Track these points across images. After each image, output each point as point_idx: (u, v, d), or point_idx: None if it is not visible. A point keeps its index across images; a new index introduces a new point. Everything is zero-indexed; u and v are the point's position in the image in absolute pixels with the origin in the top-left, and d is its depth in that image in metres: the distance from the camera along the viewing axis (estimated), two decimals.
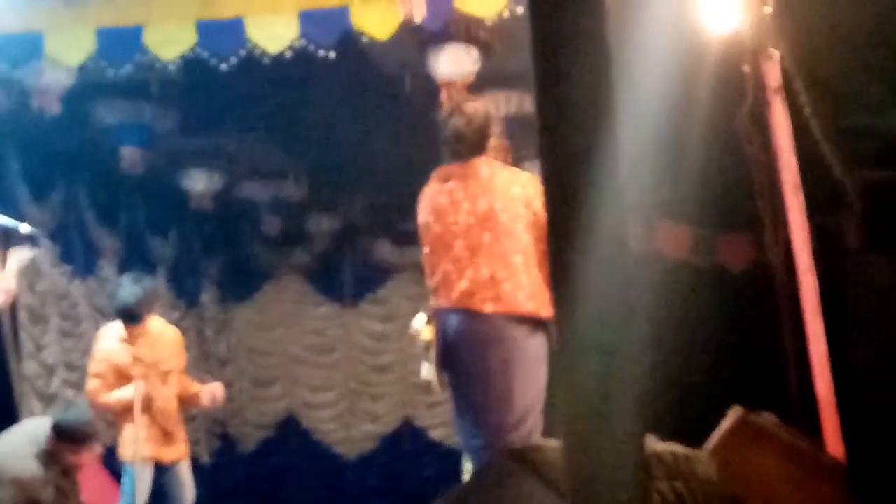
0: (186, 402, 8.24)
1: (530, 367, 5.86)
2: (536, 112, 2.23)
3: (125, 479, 7.76)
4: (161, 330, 8.19)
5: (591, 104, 2.13)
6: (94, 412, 7.79)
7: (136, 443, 7.50)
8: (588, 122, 2.13)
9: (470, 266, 5.90)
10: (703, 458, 4.06)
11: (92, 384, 7.75)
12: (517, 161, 7.38)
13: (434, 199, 6.13)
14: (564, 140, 2.14)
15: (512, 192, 5.93)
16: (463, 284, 5.89)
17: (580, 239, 2.11)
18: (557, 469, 3.14)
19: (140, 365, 7.78)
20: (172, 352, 8.14)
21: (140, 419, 7.56)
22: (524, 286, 5.83)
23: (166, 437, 7.86)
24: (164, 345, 8.10)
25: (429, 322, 6.25)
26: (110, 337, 7.87)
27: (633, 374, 2.16)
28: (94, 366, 7.77)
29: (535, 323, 5.88)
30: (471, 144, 6.12)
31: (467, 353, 5.97)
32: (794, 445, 5.15)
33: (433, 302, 6.19)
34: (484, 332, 5.91)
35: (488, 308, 5.86)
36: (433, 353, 6.18)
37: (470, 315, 5.91)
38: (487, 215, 5.90)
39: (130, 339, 7.83)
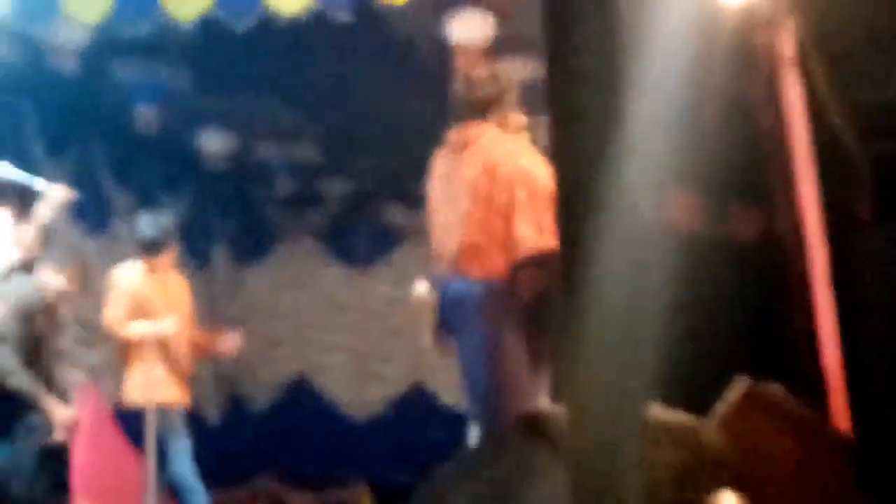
0: (201, 349, 8.16)
1: (519, 331, 5.88)
2: (547, 83, 2.23)
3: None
4: (174, 273, 8.15)
5: (603, 76, 2.13)
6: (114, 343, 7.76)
7: (149, 383, 7.41)
8: (600, 94, 2.13)
9: (456, 233, 5.92)
10: (709, 428, 4.08)
11: (113, 312, 7.62)
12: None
13: (436, 166, 6.16)
14: (574, 109, 2.14)
15: (493, 155, 5.98)
16: (451, 251, 5.92)
17: (590, 208, 2.11)
18: (563, 435, 3.16)
19: (161, 301, 7.72)
20: (185, 295, 8.12)
21: (155, 357, 7.47)
22: (499, 252, 5.83)
23: (175, 380, 7.80)
24: (179, 287, 8.08)
25: (432, 288, 6.28)
26: (131, 269, 7.80)
27: (639, 342, 2.17)
28: (115, 294, 7.65)
29: (522, 281, 5.89)
30: (469, 109, 6.13)
31: (459, 317, 6.01)
32: (800, 417, 5.16)
33: (435, 267, 6.23)
34: (474, 294, 5.94)
35: (473, 273, 5.87)
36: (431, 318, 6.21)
37: (458, 280, 5.94)
38: (473, 182, 5.91)
39: (150, 274, 7.77)
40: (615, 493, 1.98)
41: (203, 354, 8.25)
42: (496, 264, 5.82)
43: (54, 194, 7.33)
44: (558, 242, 2.23)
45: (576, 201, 2.15)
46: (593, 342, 2.10)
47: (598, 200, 2.14)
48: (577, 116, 2.14)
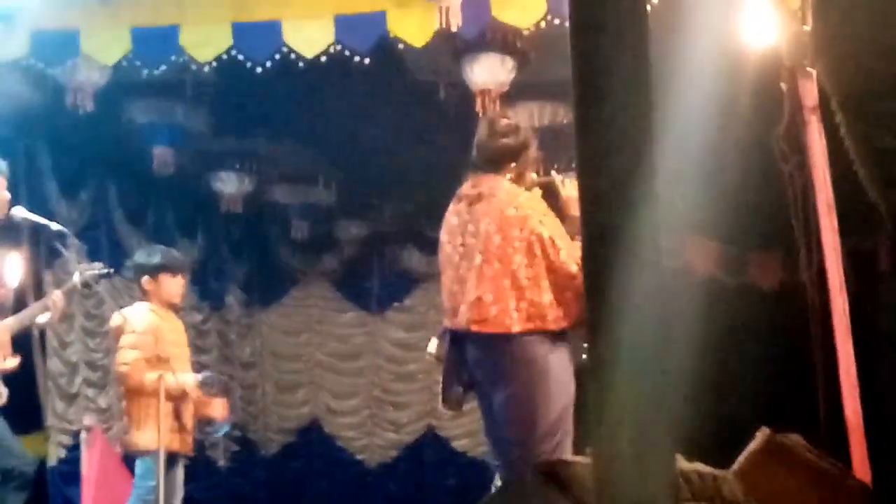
0: (204, 418, 8.14)
1: (549, 381, 5.82)
2: (576, 131, 2.24)
3: (144, 471, 7.60)
4: (174, 316, 8.13)
5: (631, 123, 2.14)
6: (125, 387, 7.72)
7: (162, 430, 7.37)
8: (628, 141, 2.14)
9: (468, 289, 5.89)
10: (730, 478, 4.06)
11: (131, 355, 7.50)
12: (548, 172, 7.35)
13: (448, 219, 6.12)
14: (603, 159, 2.15)
15: (507, 213, 5.84)
16: (464, 306, 5.89)
17: (617, 256, 2.12)
18: (585, 486, 3.15)
19: (172, 342, 7.71)
20: (184, 338, 8.11)
21: (167, 405, 7.44)
22: (510, 310, 5.78)
23: (181, 427, 7.76)
24: (181, 330, 8.07)
25: (440, 343, 6.23)
26: (143, 309, 7.78)
27: (665, 392, 2.17)
28: (131, 338, 7.56)
29: (547, 336, 5.82)
30: (488, 160, 6.08)
31: (482, 374, 5.98)
32: (821, 468, 5.13)
33: (444, 322, 6.19)
34: (493, 351, 5.90)
35: (475, 329, 5.84)
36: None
37: (475, 336, 5.91)
38: (484, 237, 5.88)
39: (158, 314, 7.76)
40: None
41: (201, 422, 8.18)
42: (506, 322, 5.78)
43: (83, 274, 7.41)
44: (587, 293, 2.24)
45: (603, 250, 2.16)
46: (622, 390, 2.10)
47: (626, 249, 2.14)
48: (606, 167, 2.15)
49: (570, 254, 5.71)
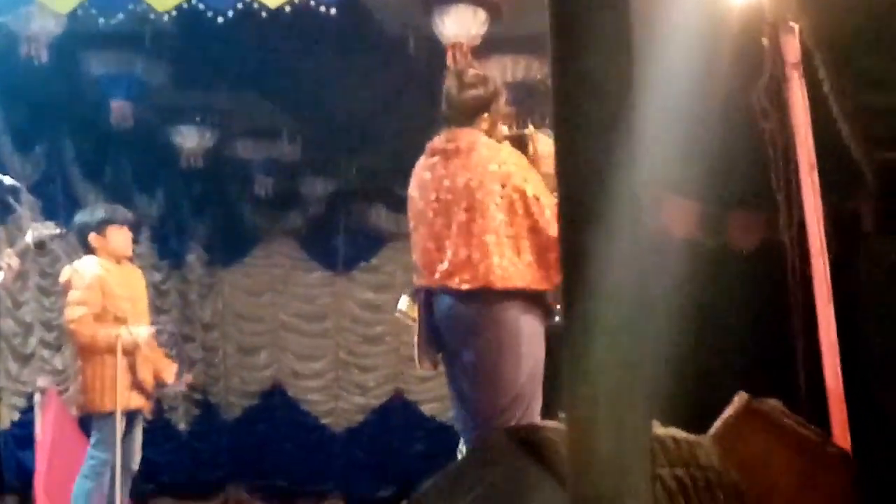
0: (157, 379, 8.10)
1: (520, 346, 5.84)
2: (552, 86, 2.25)
3: (102, 430, 7.56)
4: (130, 265, 8.11)
5: (609, 82, 2.15)
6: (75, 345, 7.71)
7: (120, 388, 7.34)
8: (607, 98, 2.15)
9: (448, 245, 5.88)
10: (706, 444, 4.10)
11: (78, 312, 7.50)
12: (523, 127, 7.35)
13: (420, 174, 6.08)
14: (580, 118, 2.16)
15: (489, 169, 5.82)
16: (443, 264, 5.88)
17: (594, 218, 2.13)
18: (554, 450, 3.18)
19: (125, 297, 7.69)
20: (143, 287, 8.09)
21: (123, 361, 7.41)
22: (495, 266, 5.79)
23: (139, 383, 7.73)
24: (139, 283, 8.06)
25: (412, 302, 6.23)
26: (91, 263, 7.77)
27: (642, 357, 2.19)
28: (78, 294, 7.56)
29: (520, 299, 5.84)
30: (460, 112, 6.06)
31: (455, 334, 5.98)
32: (799, 434, 5.18)
33: (415, 280, 6.18)
34: (468, 311, 5.90)
35: (465, 287, 5.85)
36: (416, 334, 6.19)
37: (453, 294, 5.91)
38: (463, 192, 5.86)
39: (108, 265, 7.74)
40: None
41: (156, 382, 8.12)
42: (491, 279, 5.78)
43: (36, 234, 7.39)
44: (562, 257, 2.25)
45: (581, 213, 2.16)
46: (598, 355, 2.12)
47: (604, 212, 2.16)
48: (583, 126, 2.16)
49: (555, 213, 5.57)
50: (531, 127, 6.15)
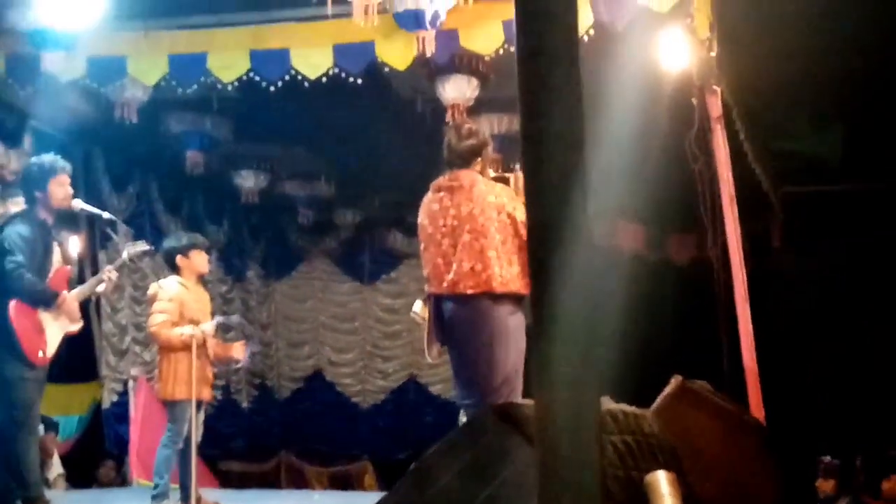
0: (219, 356, 8.04)
1: (509, 339, 5.85)
2: (522, 139, 2.25)
3: (176, 411, 7.51)
4: (202, 288, 8.07)
5: (565, 134, 2.15)
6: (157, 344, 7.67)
7: (192, 380, 7.30)
8: (563, 151, 2.14)
9: (454, 260, 5.90)
10: (649, 416, 4.07)
11: (158, 319, 7.47)
12: (507, 170, 7.33)
13: (428, 205, 6.11)
14: (544, 162, 2.16)
15: (487, 200, 5.87)
16: (450, 275, 5.90)
17: (556, 239, 2.13)
18: (529, 422, 3.17)
19: (196, 307, 7.65)
20: (208, 306, 8.04)
21: (196, 358, 7.37)
22: (496, 275, 5.80)
23: (206, 378, 7.68)
24: (206, 299, 8.01)
25: (424, 305, 6.24)
26: (172, 282, 7.75)
27: (596, 350, 2.18)
28: (161, 304, 7.54)
29: (510, 302, 5.86)
30: (459, 157, 6.08)
31: (458, 330, 5.99)
32: (723, 408, 5.15)
33: (426, 288, 6.19)
34: (469, 312, 5.92)
35: (470, 292, 5.87)
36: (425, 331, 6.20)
37: (457, 299, 5.92)
38: (467, 219, 5.89)
39: (186, 286, 7.71)
40: (577, 469, 1.99)
41: (220, 360, 8.07)
42: (493, 285, 5.82)
43: (131, 249, 7.35)
44: (531, 271, 2.24)
45: (546, 237, 2.16)
46: (559, 348, 2.11)
47: (564, 235, 2.15)
48: (546, 168, 2.15)
49: None
50: (518, 169, 6.13)
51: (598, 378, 2.09)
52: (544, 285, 2.13)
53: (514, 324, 5.87)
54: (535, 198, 2.18)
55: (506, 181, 6.08)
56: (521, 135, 2.24)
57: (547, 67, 2.16)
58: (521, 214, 5.80)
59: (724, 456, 4.70)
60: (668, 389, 4.96)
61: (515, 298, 5.87)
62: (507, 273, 5.82)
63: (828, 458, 9.03)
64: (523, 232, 5.74)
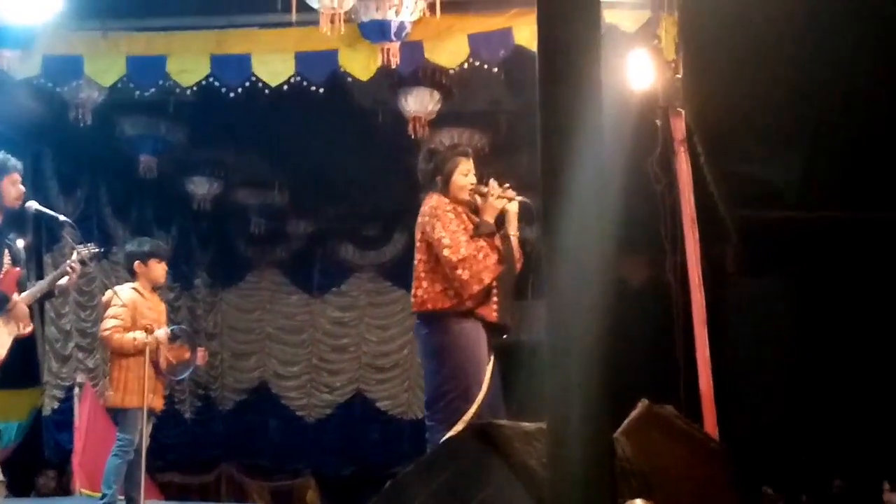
0: (180, 362, 7.94)
1: (441, 351, 5.81)
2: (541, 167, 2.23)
3: (128, 420, 7.42)
4: (155, 295, 7.98)
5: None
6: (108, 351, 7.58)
7: (143, 389, 7.21)
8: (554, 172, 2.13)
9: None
10: (620, 440, 4.06)
11: (111, 323, 7.39)
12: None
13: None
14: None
15: (419, 221, 5.92)
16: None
17: (565, 269, 2.11)
18: (510, 444, 3.13)
19: (150, 315, 7.55)
20: (163, 314, 7.94)
21: (148, 366, 7.28)
22: (417, 296, 5.84)
23: (157, 388, 7.60)
24: (160, 306, 7.91)
25: None
26: (127, 288, 7.66)
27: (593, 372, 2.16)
28: (115, 310, 7.46)
29: (439, 320, 5.82)
30: (423, 180, 6.12)
31: (420, 348, 6.12)
32: (688, 432, 5.17)
33: None
34: (415, 328, 6.07)
35: (420, 310, 5.89)
36: None
37: (417, 320, 6.01)
38: (417, 242, 5.94)
39: (141, 293, 7.63)
40: (593, 492, 1.97)
41: (174, 366, 7.98)
42: (415, 303, 5.83)
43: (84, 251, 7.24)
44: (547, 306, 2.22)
45: (556, 266, 2.14)
46: (551, 375, 2.10)
47: (554, 256, 2.13)
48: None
49: (452, 250, 5.71)
50: (492, 185, 6.07)
51: (612, 402, 2.07)
52: (554, 309, 2.10)
53: (448, 337, 5.79)
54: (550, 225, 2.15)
55: (483, 194, 6.02)
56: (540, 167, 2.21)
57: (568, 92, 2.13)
58: (437, 231, 5.78)
59: (690, 480, 4.71)
60: (635, 413, 4.96)
61: (453, 313, 5.80)
62: (426, 292, 5.81)
63: (770, 491, 9.03)
64: (438, 249, 5.76)
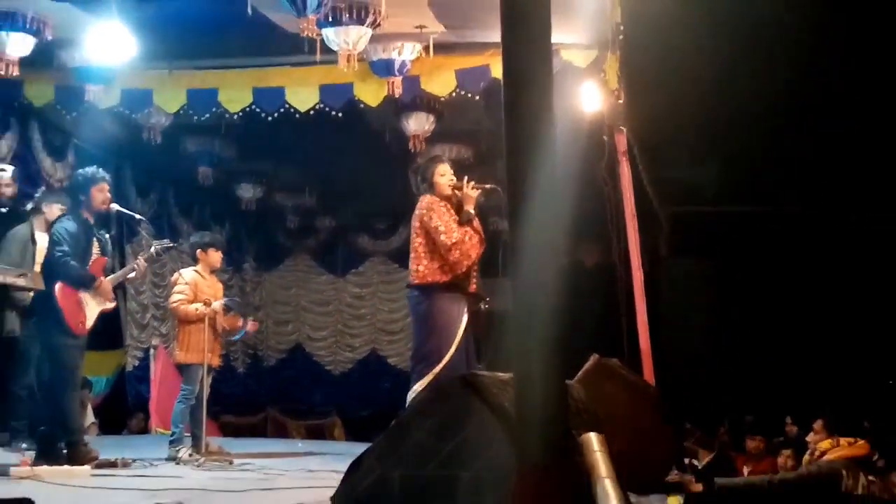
0: (231, 328, 7.91)
1: (428, 318, 5.81)
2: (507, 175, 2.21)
3: (190, 373, 7.39)
4: (214, 276, 7.93)
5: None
6: (176, 319, 7.56)
7: (204, 349, 7.19)
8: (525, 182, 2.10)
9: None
10: (576, 386, 4.04)
11: (177, 297, 7.36)
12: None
13: None
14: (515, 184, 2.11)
15: (416, 213, 5.93)
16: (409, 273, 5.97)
17: (515, 250, 2.08)
18: (488, 389, 3.11)
19: (208, 292, 7.52)
20: (220, 291, 7.89)
21: (208, 330, 7.25)
22: (413, 270, 5.86)
23: (215, 348, 7.56)
24: (217, 285, 7.87)
25: None
26: (190, 270, 7.63)
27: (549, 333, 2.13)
28: (180, 287, 7.44)
29: (433, 291, 5.80)
30: (415, 188, 6.15)
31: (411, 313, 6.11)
32: (631, 380, 5.16)
33: None
34: (409, 299, 6.05)
35: (407, 284, 5.99)
36: None
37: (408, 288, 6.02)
38: (413, 229, 5.94)
39: (202, 274, 7.59)
40: (550, 423, 1.94)
41: (229, 331, 7.96)
42: (416, 276, 5.81)
43: (155, 246, 7.20)
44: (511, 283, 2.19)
45: (511, 244, 2.12)
46: (517, 336, 2.08)
47: (519, 243, 2.11)
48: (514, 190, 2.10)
49: (447, 236, 5.74)
50: (466, 181, 6.04)
51: (565, 356, 2.05)
52: (518, 288, 2.08)
53: (434, 306, 5.80)
54: (513, 215, 2.13)
55: (460, 188, 6.01)
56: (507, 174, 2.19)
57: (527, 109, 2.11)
58: (434, 221, 5.80)
59: (631, 419, 4.69)
60: (587, 365, 4.96)
61: (441, 286, 5.79)
62: (426, 268, 5.80)
63: (689, 426, 9.00)
64: (435, 235, 5.79)
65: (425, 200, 5.93)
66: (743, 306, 10.10)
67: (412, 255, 5.89)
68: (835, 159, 9.18)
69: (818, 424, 7.03)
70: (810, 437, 7.08)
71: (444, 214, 5.85)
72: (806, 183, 9.50)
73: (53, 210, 7.33)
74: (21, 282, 5.60)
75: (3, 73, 7.30)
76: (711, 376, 9.75)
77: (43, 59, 7.81)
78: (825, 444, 6.49)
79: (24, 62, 7.43)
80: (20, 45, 7.29)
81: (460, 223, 5.84)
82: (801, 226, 9.99)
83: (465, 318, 5.82)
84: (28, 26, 7.25)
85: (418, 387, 5.68)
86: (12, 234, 7.41)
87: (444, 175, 6.05)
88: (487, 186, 6.00)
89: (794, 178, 9.51)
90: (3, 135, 8.87)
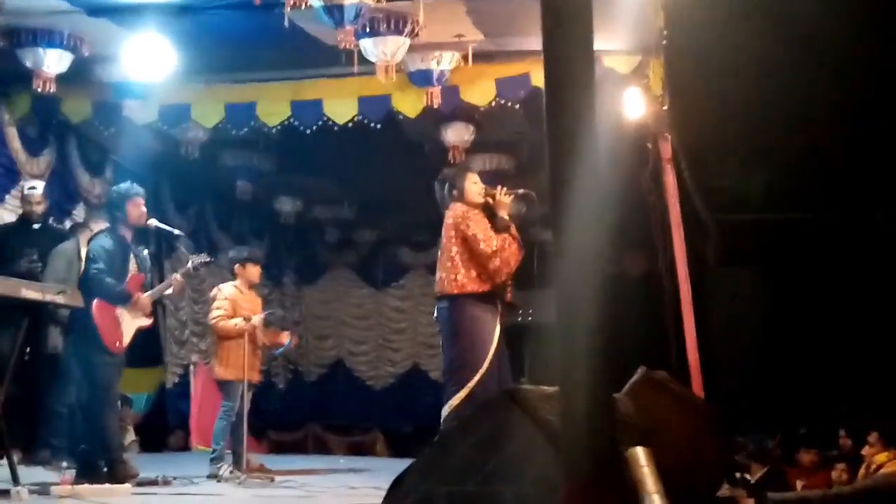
0: (268, 343, 7.94)
1: (462, 330, 5.74)
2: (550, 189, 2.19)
3: (230, 390, 7.42)
4: (253, 292, 7.97)
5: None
6: (215, 335, 7.61)
7: (244, 365, 7.22)
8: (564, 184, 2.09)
9: (438, 270, 5.90)
10: (622, 400, 4.00)
11: (216, 313, 7.44)
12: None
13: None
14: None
15: (448, 222, 5.88)
16: (436, 282, 5.92)
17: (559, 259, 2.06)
18: (532, 403, 3.09)
19: (247, 307, 7.57)
20: (258, 306, 7.93)
21: (248, 345, 7.29)
22: (449, 280, 5.75)
23: (255, 364, 7.60)
24: (256, 300, 7.91)
25: None
26: (229, 285, 7.69)
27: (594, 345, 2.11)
28: (219, 302, 7.51)
29: (466, 302, 5.74)
30: (440, 200, 6.07)
31: (440, 325, 5.97)
32: (680, 393, 5.09)
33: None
34: (439, 310, 5.90)
35: (437, 294, 5.87)
36: None
37: (436, 299, 5.94)
38: (445, 238, 5.87)
39: (240, 289, 7.64)
40: (597, 437, 1.92)
41: (270, 346, 8.01)
42: (447, 289, 5.76)
43: (193, 261, 7.25)
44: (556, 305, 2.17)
45: (567, 264, 2.10)
46: (560, 348, 2.06)
47: (562, 252, 2.10)
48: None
49: (487, 244, 5.70)
50: (499, 188, 6.02)
51: (612, 369, 2.03)
52: (562, 303, 2.06)
53: (468, 318, 5.74)
54: (555, 223, 2.12)
55: (493, 195, 5.99)
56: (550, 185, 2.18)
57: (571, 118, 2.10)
58: (472, 230, 5.76)
59: (680, 432, 4.62)
60: (635, 378, 4.89)
61: (475, 297, 5.74)
62: (465, 277, 5.73)
63: (740, 439, 8.87)
64: (473, 244, 5.73)
65: (459, 209, 5.89)
66: (793, 315, 9.98)
67: (447, 264, 5.82)
68: (888, 165, 9.06)
69: (873, 437, 6.92)
70: (865, 451, 6.96)
71: (481, 222, 5.84)
72: (857, 189, 9.38)
73: (98, 227, 7.44)
74: (60, 299, 5.67)
75: (40, 89, 7.43)
76: (762, 388, 9.64)
77: (80, 76, 7.92)
78: (881, 457, 6.39)
79: (62, 79, 7.55)
80: (57, 61, 7.41)
81: (497, 230, 5.82)
82: (854, 232, 9.86)
83: (497, 329, 5.78)
84: (65, 43, 7.37)
85: (455, 401, 5.61)
86: (59, 250, 7.55)
87: (476, 183, 6.05)
88: (521, 191, 5.99)
89: (845, 184, 9.40)
90: (41, 151, 9.01)
